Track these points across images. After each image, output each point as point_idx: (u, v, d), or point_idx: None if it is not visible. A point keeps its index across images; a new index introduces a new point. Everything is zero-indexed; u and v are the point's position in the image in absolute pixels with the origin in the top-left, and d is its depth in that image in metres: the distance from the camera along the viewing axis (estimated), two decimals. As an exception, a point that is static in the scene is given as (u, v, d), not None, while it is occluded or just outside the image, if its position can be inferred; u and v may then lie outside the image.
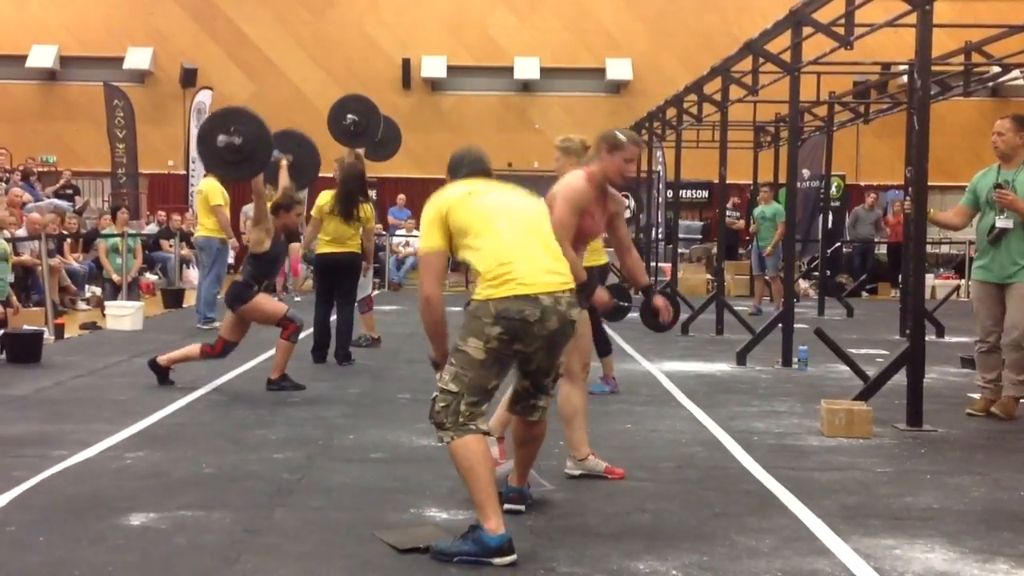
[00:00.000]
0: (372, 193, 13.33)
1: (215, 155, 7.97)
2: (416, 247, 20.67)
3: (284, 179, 8.82)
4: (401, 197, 22.67)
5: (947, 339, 12.00)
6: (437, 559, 3.99)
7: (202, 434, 6.32)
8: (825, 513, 4.71)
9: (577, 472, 5.33)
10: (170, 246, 16.99)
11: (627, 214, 9.50)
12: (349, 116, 10.75)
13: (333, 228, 9.37)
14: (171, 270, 16.71)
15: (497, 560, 3.92)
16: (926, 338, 7.06)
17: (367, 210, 9.55)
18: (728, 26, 23.21)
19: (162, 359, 7.99)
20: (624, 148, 5.01)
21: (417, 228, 21.62)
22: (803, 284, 18.74)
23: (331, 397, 7.69)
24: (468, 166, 4.49)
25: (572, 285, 4.26)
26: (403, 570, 3.94)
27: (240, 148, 7.85)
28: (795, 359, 9.51)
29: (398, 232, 21.44)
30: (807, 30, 9.29)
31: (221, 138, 7.85)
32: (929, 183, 7.01)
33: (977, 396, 7.37)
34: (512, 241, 4.18)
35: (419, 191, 24.28)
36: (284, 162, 8.96)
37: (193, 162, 22.00)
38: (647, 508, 4.80)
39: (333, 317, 9.57)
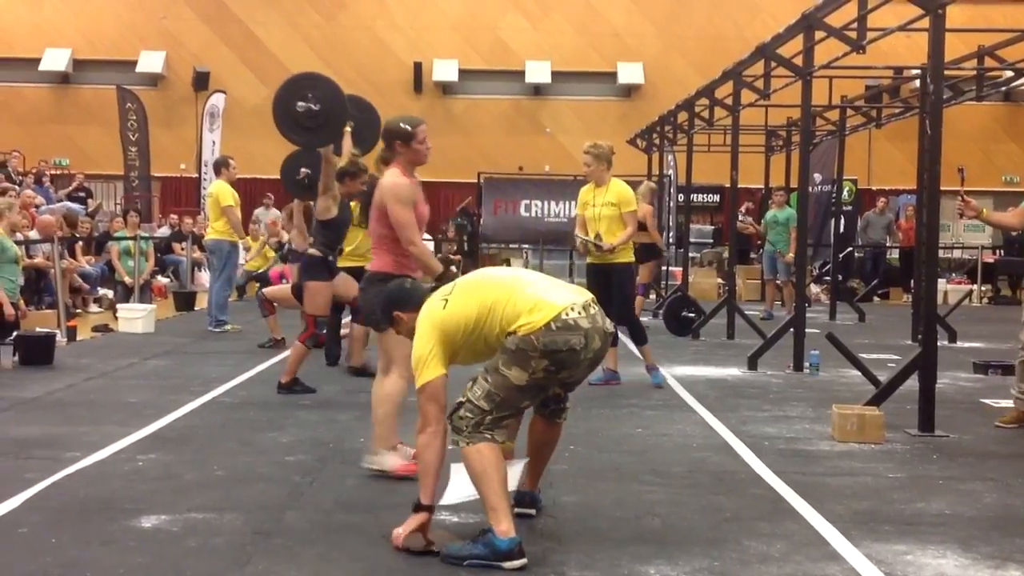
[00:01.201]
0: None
1: (293, 119, 7.80)
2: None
3: (348, 145, 8.63)
4: (412, 201, 22.64)
5: (959, 344, 11.96)
6: (448, 563, 3.99)
7: (213, 437, 6.33)
8: (836, 518, 4.70)
9: (374, 466, 5.31)
10: (182, 249, 17.02)
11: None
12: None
13: (356, 240, 9.20)
14: (183, 273, 16.74)
15: (508, 564, 3.92)
16: (938, 343, 7.03)
17: None
18: (740, 30, 23.20)
19: (283, 379, 7.86)
20: (415, 133, 5.30)
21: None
22: (814, 289, 18.69)
23: (342, 400, 7.69)
24: (422, 294, 4.40)
25: (590, 296, 4.26)
26: (414, 573, 3.94)
27: (317, 115, 7.77)
28: (806, 364, 9.48)
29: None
30: (819, 34, 9.26)
31: (300, 104, 7.74)
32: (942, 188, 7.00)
33: (1010, 404, 7.24)
34: (518, 280, 4.18)
35: (429, 195, 24.31)
36: (347, 128, 8.84)
37: (205, 165, 22.05)
38: (658, 512, 4.80)
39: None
